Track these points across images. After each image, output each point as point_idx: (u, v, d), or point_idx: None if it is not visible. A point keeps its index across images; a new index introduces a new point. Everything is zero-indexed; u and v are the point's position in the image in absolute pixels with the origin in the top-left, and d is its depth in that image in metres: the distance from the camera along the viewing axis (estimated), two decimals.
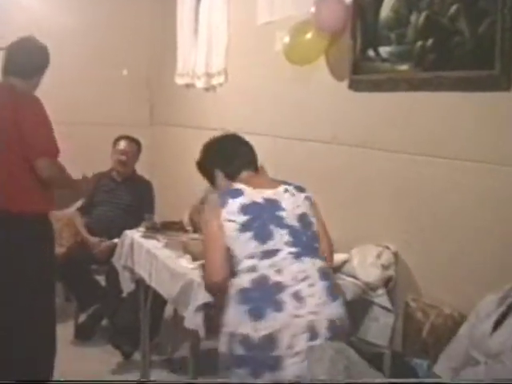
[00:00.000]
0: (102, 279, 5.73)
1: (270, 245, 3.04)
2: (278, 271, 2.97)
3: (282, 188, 3.27)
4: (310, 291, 2.96)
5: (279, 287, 2.92)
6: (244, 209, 3.11)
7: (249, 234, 3.04)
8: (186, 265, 3.92)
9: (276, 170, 5.07)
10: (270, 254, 3.01)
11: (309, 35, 4.36)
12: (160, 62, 7.80)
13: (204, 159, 3.53)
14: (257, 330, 2.83)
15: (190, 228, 4.60)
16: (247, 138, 5.28)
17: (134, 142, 6.04)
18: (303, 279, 2.98)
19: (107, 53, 7.65)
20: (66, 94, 6.86)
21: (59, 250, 5.73)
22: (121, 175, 5.97)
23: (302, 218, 3.22)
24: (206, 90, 6.32)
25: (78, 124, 7.14)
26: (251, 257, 3.01)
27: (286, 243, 3.06)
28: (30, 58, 4.05)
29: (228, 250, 3.07)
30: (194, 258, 3.93)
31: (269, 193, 3.24)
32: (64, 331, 5.46)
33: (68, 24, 7.31)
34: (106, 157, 6.04)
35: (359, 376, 2.65)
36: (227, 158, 3.43)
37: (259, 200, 3.18)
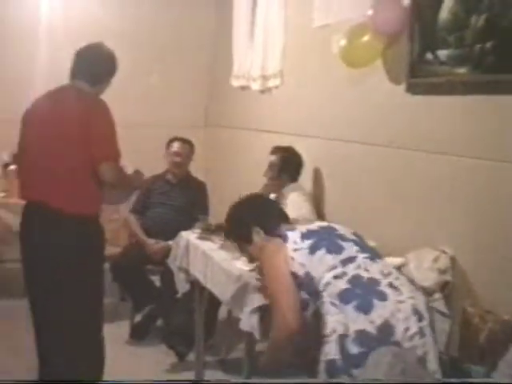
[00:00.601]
0: (156, 280, 5.77)
1: (345, 254, 3.06)
2: (366, 270, 2.99)
3: None
4: (399, 282, 3.01)
5: (374, 281, 2.94)
6: (305, 235, 3.14)
7: (321, 251, 3.07)
8: (241, 267, 3.93)
9: (331, 174, 5.08)
10: (349, 260, 3.04)
11: (365, 38, 4.35)
12: (216, 63, 7.84)
13: (239, 218, 3.52)
14: (372, 322, 2.82)
15: None
16: (302, 140, 5.32)
17: (188, 144, 6.07)
18: (388, 274, 3.00)
19: (163, 55, 7.73)
20: (122, 95, 6.92)
21: (115, 250, 5.81)
22: (175, 177, 6.01)
23: (355, 233, 3.29)
24: (262, 92, 6.34)
25: (133, 125, 7.20)
26: (333, 267, 3.02)
27: (357, 251, 3.09)
28: (98, 65, 4.06)
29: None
30: (250, 260, 3.93)
31: (316, 223, 3.34)
32: (119, 331, 5.54)
33: (126, 27, 7.38)
34: (161, 158, 6.07)
35: (416, 380, 2.65)
36: (266, 213, 3.44)
37: (314, 228, 3.23)
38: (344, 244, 3.12)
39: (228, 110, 7.46)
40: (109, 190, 4.02)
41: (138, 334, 5.63)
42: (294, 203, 4.97)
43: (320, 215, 5.07)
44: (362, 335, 2.82)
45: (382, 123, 4.53)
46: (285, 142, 5.44)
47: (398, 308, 2.87)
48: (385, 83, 4.45)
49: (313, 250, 3.07)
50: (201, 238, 4.67)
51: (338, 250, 3.07)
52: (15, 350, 5.34)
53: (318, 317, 2.99)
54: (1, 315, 6.00)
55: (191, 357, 5.08)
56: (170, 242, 5.25)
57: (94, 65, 4.06)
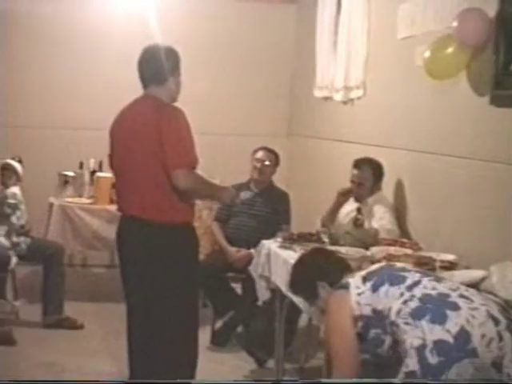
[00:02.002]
0: (238, 287, 5.83)
1: (408, 281, 3.07)
2: (434, 289, 2.99)
3: None
4: (469, 293, 3.01)
5: (444, 295, 2.95)
6: (366, 278, 3.17)
7: (384, 287, 3.09)
8: None
9: (413, 185, 5.06)
10: (414, 285, 3.05)
11: (450, 49, 4.32)
12: (299, 74, 7.87)
13: (304, 275, 3.53)
14: (448, 331, 2.83)
15: (326, 240, 4.61)
16: (384, 151, 5.31)
17: (272, 154, 6.10)
18: (457, 288, 3.01)
19: (247, 65, 7.80)
20: (206, 105, 7.02)
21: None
22: (258, 186, 6.05)
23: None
24: (344, 103, 6.34)
25: (217, 135, 7.31)
26: (401, 295, 3.02)
27: (421, 276, 3.10)
28: (159, 62, 4.08)
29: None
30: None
31: (376, 265, 3.42)
32: (200, 336, 5.56)
33: (211, 38, 7.47)
34: (245, 167, 6.13)
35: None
36: (329, 267, 3.45)
37: (374, 269, 3.28)
38: (406, 274, 3.14)
39: (310, 120, 7.48)
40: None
41: (219, 340, 5.69)
42: (376, 214, 4.99)
43: (402, 226, 5.06)
44: (439, 345, 2.82)
45: (465, 135, 4.49)
46: (366, 152, 5.43)
47: (472, 315, 2.87)
48: (469, 95, 4.41)
49: (375, 288, 3.09)
50: (282, 246, 4.69)
51: (401, 280, 3.09)
52: (101, 352, 5.45)
53: (395, 347, 3.00)
54: (86, 318, 6.10)
55: (271, 364, 5.11)
56: (252, 250, 5.31)
57: (156, 63, 4.08)
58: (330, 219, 5.18)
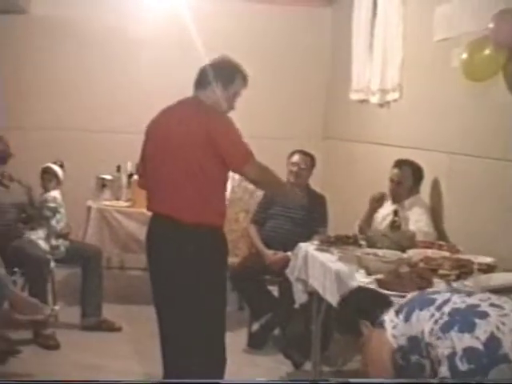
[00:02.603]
0: (275, 290, 5.84)
1: (438, 302, 3.06)
2: (463, 302, 2.99)
3: None
4: (501, 301, 2.99)
5: (473, 305, 2.94)
6: (398, 311, 3.15)
7: (415, 313, 3.07)
8: (360, 279, 3.94)
9: (450, 187, 5.04)
10: (443, 303, 3.04)
11: (487, 51, 4.30)
12: (334, 76, 7.88)
13: (347, 314, 3.54)
14: (477, 338, 2.83)
15: (363, 242, 4.62)
16: (421, 154, 5.30)
17: (308, 157, 6.11)
18: (488, 298, 3.00)
19: (284, 68, 7.83)
20: (244, 108, 7.03)
21: (235, 260, 5.90)
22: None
23: None
24: (380, 105, 6.34)
25: (254, 137, 7.30)
26: (431, 316, 3.01)
27: (451, 295, 3.09)
28: (207, 70, 4.12)
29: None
30: (368, 273, 3.96)
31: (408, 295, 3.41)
32: (237, 339, 5.61)
33: (247, 41, 7.50)
34: (281, 170, 6.12)
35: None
36: (371, 305, 3.45)
37: (406, 300, 3.27)
38: (435, 296, 3.12)
39: (346, 123, 7.49)
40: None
41: (256, 343, 5.71)
42: (413, 216, 4.98)
43: (439, 229, 5.04)
44: (469, 352, 2.82)
45: (502, 137, 4.47)
46: (403, 155, 5.43)
47: (503, 321, 2.86)
48: (506, 96, 4.39)
49: (407, 317, 3.09)
50: (319, 249, 4.70)
51: (431, 302, 3.08)
52: (139, 354, 5.49)
53: (435, 371, 3.01)
54: (123, 320, 6.15)
55: (308, 366, 5.12)
56: (289, 253, 5.32)
57: (205, 69, 4.14)
58: (367, 225, 5.19)
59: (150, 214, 6.48)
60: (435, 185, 5.22)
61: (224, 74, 4.13)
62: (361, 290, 3.71)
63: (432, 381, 2.91)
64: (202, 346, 4.05)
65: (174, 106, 4.17)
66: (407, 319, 3.09)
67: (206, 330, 4.05)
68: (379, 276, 3.85)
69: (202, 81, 4.13)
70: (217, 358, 4.14)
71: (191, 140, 3.91)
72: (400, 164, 5.20)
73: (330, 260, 4.45)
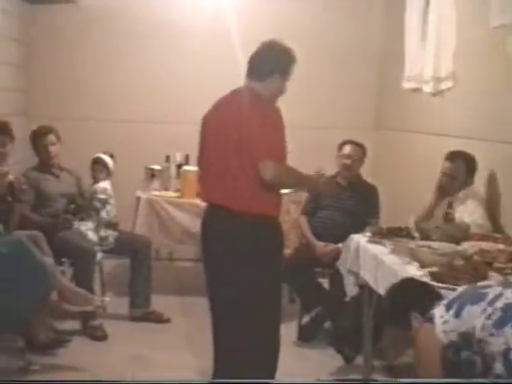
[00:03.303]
0: (325, 282, 5.79)
1: (490, 296, 3.01)
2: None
3: None
4: None
5: None
6: (449, 305, 3.11)
7: (466, 308, 3.03)
8: (413, 272, 3.88)
9: (506, 177, 4.93)
10: (495, 298, 3.00)
11: None
12: (386, 65, 7.79)
13: (397, 305, 3.46)
14: None
15: (417, 235, 4.53)
16: (475, 144, 5.19)
17: (359, 147, 6.05)
18: None
19: (335, 57, 7.76)
20: (295, 98, 6.96)
21: (286, 251, 5.83)
22: (346, 180, 6.00)
23: None
24: (433, 94, 6.22)
25: (304, 127, 7.28)
26: (483, 311, 2.97)
27: (503, 289, 3.04)
28: (262, 59, 4.07)
29: None
30: (422, 266, 3.88)
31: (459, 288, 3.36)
32: (287, 332, 5.54)
33: (297, 31, 7.43)
34: (332, 160, 6.07)
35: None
36: (422, 297, 3.38)
37: (456, 294, 3.21)
38: (487, 290, 3.06)
39: (398, 113, 7.39)
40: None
41: (306, 336, 5.67)
42: (467, 208, 4.88)
43: (494, 221, 4.93)
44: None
45: None
46: (457, 145, 5.33)
47: None
48: None
49: (458, 313, 3.04)
50: (371, 241, 4.65)
51: (482, 296, 3.02)
52: (187, 345, 5.48)
53: (487, 368, 2.93)
54: (172, 311, 6.14)
55: (359, 360, 5.05)
56: (340, 245, 5.26)
57: (259, 59, 4.07)
58: (427, 219, 5.03)
59: (199, 204, 6.55)
60: (491, 176, 5.11)
61: (282, 62, 4.08)
62: (409, 280, 3.65)
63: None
64: (257, 338, 4.01)
65: (227, 96, 4.13)
66: (458, 314, 3.03)
67: (261, 322, 4.01)
68: (433, 269, 3.78)
69: (254, 69, 4.07)
70: (271, 351, 4.10)
71: (237, 129, 3.88)
72: (452, 157, 5.07)
73: (383, 252, 4.40)
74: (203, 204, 4.95)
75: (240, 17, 7.59)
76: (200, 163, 4.22)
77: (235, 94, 4.10)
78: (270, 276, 4.02)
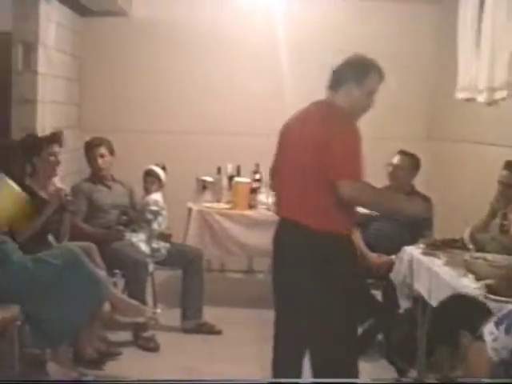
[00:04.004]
0: (378, 294, 5.73)
1: None
2: None
3: None
4: None
5: None
6: (499, 322, 3.02)
7: None
8: (468, 284, 3.82)
9: None
10: None
11: None
12: (439, 75, 7.72)
13: (445, 322, 3.40)
14: None
15: (471, 246, 4.47)
16: None
17: (409, 157, 5.98)
18: None
19: (388, 66, 7.69)
20: None
21: None
22: (399, 191, 5.91)
23: None
24: (488, 104, 6.13)
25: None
26: None
27: None
28: (339, 70, 3.99)
29: None
30: (478, 278, 3.81)
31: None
32: None
33: (351, 39, 7.42)
34: (384, 171, 6.01)
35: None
36: (472, 315, 3.32)
37: (505, 311, 3.11)
38: None
39: (452, 123, 7.31)
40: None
41: (359, 348, 5.59)
42: None
43: None
44: None
45: None
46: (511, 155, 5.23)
47: None
48: None
49: (508, 330, 2.96)
50: (425, 253, 4.59)
51: None
52: (239, 358, 5.46)
53: None
54: (224, 323, 6.13)
55: (413, 373, 4.98)
56: (393, 257, 5.20)
57: (336, 70, 3.99)
58: (483, 230, 4.93)
59: (250, 216, 6.56)
60: None
61: (356, 72, 3.96)
62: (458, 297, 3.58)
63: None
64: (325, 350, 3.93)
65: (306, 109, 4.04)
66: (508, 332, 2.96)
67: (329, 339, 3.92)
68: (489, 281, 3.71)
69: (333, 82, 3.98)
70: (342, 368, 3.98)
71: (315, 144, 3.78)
72: (510, 166, 4.99)
73: (437, 264, 4.34)
74: (254, 215, 4.92)
75: (295, 29, 7.60)
76: (275, 174, 4.16)
77: (314, 106, 4.01)
78: (344, 292, 3.89)
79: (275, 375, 4.13)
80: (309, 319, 3.92)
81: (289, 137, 4.01)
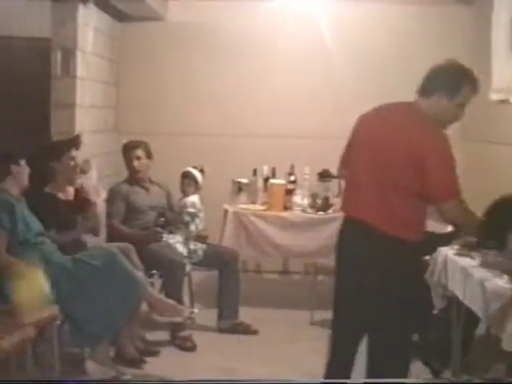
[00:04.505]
0: None
1: None
2: None
3: None
4: None
5: None
6: None
7: None
8: (503, 285, 3.80)
9: None
10: None
11: None
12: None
13: (496, 222, 3.33)
14: None
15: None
16: None
17: None
18: None
19: (422, 69, 7.68)
20: None
21: None
22: None
23: None
24: None
25: None
26: None
27: None
28: (431, 77, 3.86)
29: None
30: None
31: None
32: None
33: (384, 42, 7.42)
34: None
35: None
36: None
37: None
38: None
39: (486, 125, 7.26)
40: None
41: None
42: None
43: None
44: None
45: None
46: None
47: None
48: None
49: None
50: (459, 254, 4.57)
51: None
52: (275, 358, 5.47)
53: None
54: (260, 323, 6.16)
55: (447, 374, 4.97)
56: (427, 257, 5.18)
57: (428, 76, 3.86)
58: None
59: (285, 217, 6.58)
60: None
61: (449, 83, 3.80)
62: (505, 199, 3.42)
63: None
64: (384, 351, 3.90)
65: (388, 110, 3.92)
66: None
67: (387, 342, 3.88)
68: None
69: (424, 88, 3.84)
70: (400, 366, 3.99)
71: (401, 154, 3.67)
72: None
73: (471, 265, 4.31)
74: (289, 217, 4.84)
75: (326, 32, 7.61)
76: (346, 166, 4.03)
77: (400, 110, 3.87)
78: (406, 296, 3.84)
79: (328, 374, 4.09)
80: (365, 318, 3.89)
81: (368, 139, 3.85)
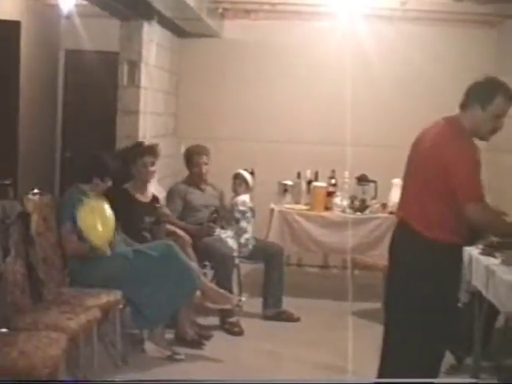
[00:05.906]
0: None
1: None
2: None
3: None
4: None
5: None
6: None
7: None
8: None
9: None
10: None
11: None
12: None
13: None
14: None
15: None
16: None
17: None
18: None
19: (449, 88, 7.68)
20: (406, 123, 6.90)
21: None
22: None
23: None
24: None
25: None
26: None
27: None
28: (469, 91, 3.76)
29: None
30: None
31: None
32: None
33: (413, 61, 7.46)
34: None
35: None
36: None
37: None
38: None
39: (510, 135, 7.22)
40: None
41: None
42: None
43: None
44: None
45: None
46: None
47: None
48: None
49: None
50: (483, 253, 4.60)
51: None
52: (315, 343, 5.54)
53: None
54: (302, 311, 6.23)
55: (469, 360, 5.01)
56: None
57: (467, 90, 3.79)
58: None
59: (326, 216, 6.64)
60: None
61: (481, 96, 3.69)
62: None
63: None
64: (421, 358, 3.81)
65: (435, 124, 3.86)
66: None
67: (429, 341, 3.80)
68: None
69: (463, 101, 3.78)
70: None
71: (433, 163, 3.68)
72: None
73: (494, 263, 4.36)
74: (330, 216, 4.84)
75: (368, 47, 7.63)
76: (404, 182, 4.01)
77: (440, 123, 3.84)
78: (446, 298, 3.80)
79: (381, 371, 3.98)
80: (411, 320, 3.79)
81: (415, 150, 3.88)
